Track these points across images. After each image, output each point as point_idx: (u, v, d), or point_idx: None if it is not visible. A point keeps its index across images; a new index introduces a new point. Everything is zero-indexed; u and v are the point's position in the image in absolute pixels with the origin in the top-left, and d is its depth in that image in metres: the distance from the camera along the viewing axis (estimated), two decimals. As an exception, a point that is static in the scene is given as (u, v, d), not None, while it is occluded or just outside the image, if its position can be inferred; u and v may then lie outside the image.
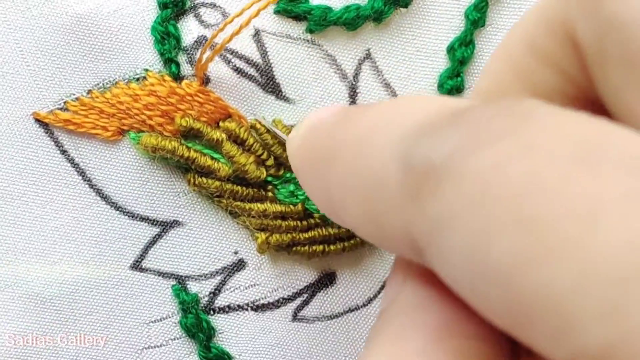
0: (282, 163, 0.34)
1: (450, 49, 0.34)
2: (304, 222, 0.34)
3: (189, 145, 0.34)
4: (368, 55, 0.35)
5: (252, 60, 0.34)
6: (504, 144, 0.18)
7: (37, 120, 0.34)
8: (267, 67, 0.34)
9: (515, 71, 0.24)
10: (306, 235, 0.34)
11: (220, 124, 0.34)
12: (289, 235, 0.34)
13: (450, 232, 0.18)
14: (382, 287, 0.36)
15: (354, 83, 0.35)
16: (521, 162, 0.17)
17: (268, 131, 0.34)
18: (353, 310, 0.36)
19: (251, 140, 0.34)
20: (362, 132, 0.23)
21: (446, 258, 0.19)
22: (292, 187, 0.34)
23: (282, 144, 0.34)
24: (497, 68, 0.25)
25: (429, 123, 0.21)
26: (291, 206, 0.34)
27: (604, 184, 0.16)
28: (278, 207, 0.34)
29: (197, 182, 0.34)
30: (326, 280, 0.36)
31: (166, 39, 0.33)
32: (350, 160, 0.23)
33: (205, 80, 0.34)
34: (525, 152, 0.17)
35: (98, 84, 0.34)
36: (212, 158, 0.34)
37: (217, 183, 0.34)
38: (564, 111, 0.18)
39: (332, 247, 0.35)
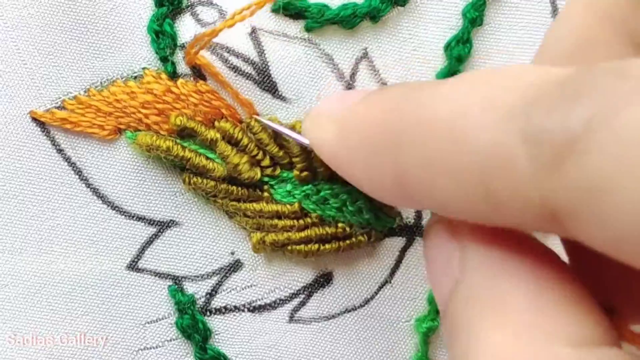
0: (277, 163, 0.34)
1: (447, 47, 0.34)
2: (301, 221, 0.34)
3: (185, 144, 0.34)
4: (365, 54, 0.35)
5: (249, 59, 0.34)
6: None
7: (34, 119, 0.34)
8: (263, 66, 0.34)
9: (605, 18, 0.25)
10: (302, 235, 0.34)
11: (215, 123, 0.34)
12: (284, 234, 0.34)
13: (612, 192, 0.19)
14: (379, 288, 0.36)
15: (350, 82, 0.35)
16: None
17: (264, 130, 0.34)
18: (350, 311, 0.36)
19: (246, 141, 0.33)
20: (449, 111, 0.23)
21: (606, 220, 0.19)
22: (289, 187, 0.34)
23: (278, 143, 0.34)
24: (579, 18, 0.25)
25: (543, 95, 0.21)
26: (287, 205, 0.34)
27: None
28: (274, 207, 0.34)
29: (192, 182, 0.34)
30: (323, 280, 0.36)
31: (161, 37, 0.33)
32: (442, 140, 0.23)
33: (201, 78, 0.34)
34: None
35: (95, 83, 0.34)
36: (207, 158, 0.34)
37: (212, 183, 0.34)
38: None
39: (327, 246, 0.34)
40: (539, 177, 0.20)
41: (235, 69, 0.34)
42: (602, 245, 0.20)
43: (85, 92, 0.34)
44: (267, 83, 0.34)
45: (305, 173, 0.34)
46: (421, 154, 0.23)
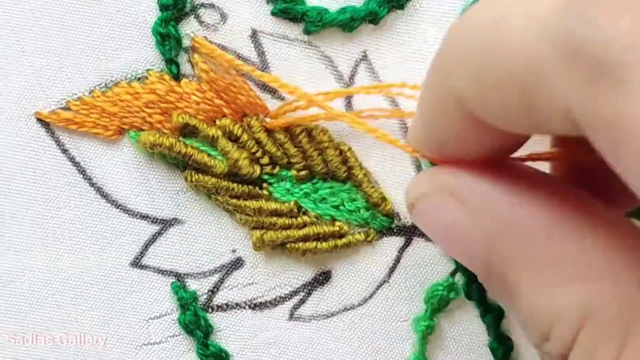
0: (276, 162, 0.35)
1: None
2: (299, 220, 0.35)
3: (187, 142, 0.34)
4: (364, 57, 0.35)
5: (250, 60, 0.34)
6: None
7: (39, 120, 0.34)
8: (264, 67, 0.34)
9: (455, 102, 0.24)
10: (300, 233, 0.35)
11: (217, 121, 0.34)
12: (283, 232, 0.35)
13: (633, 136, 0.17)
14: (377, 287, 0.36)
15: (349, 84, 0.35)
16: None
17: (263, 129, 0.34)
18: (348, 310, 0.36)
19: (245, 137, 0.34)
20: (489, 16, 0.22)
21: (623, 158, 0.18)
22: (287, 185, 0.35)
23: (276, 144, 0.34)
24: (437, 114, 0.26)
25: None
26: (286, 203, 0.35)
27: None
28: (273, 205, 0.35)
29: (194, 178, 0.34)
30: (322, 278, 0.36)
31: (167, 40, 0.34)
32: (483, 47, 0.22)
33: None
34: None
35: (100, 84, 0.34)
36: (209, 155, 0.34)
37: (214, 180, 0.34)
38: None
39: (324, 244, 0.35)
40: (566, 88, 0.19)
41: (236, 70, 0.34)
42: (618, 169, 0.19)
43: (89, 93, 0.34)
44: (267, 84, 0.35)
45: (303, 172, 0.34)
46: (469, 63, 0.22)
